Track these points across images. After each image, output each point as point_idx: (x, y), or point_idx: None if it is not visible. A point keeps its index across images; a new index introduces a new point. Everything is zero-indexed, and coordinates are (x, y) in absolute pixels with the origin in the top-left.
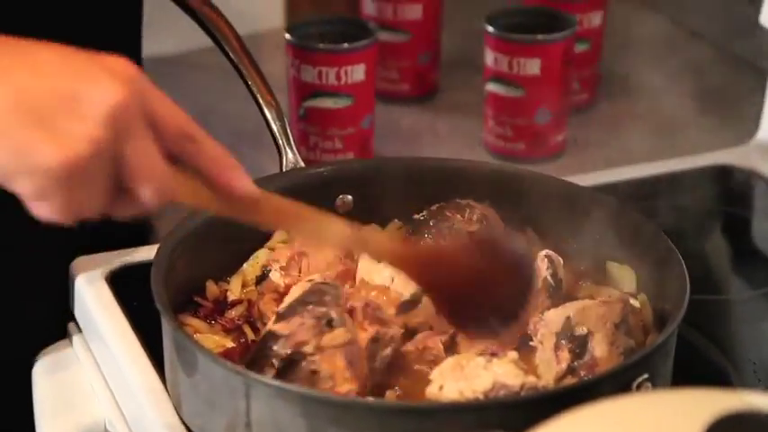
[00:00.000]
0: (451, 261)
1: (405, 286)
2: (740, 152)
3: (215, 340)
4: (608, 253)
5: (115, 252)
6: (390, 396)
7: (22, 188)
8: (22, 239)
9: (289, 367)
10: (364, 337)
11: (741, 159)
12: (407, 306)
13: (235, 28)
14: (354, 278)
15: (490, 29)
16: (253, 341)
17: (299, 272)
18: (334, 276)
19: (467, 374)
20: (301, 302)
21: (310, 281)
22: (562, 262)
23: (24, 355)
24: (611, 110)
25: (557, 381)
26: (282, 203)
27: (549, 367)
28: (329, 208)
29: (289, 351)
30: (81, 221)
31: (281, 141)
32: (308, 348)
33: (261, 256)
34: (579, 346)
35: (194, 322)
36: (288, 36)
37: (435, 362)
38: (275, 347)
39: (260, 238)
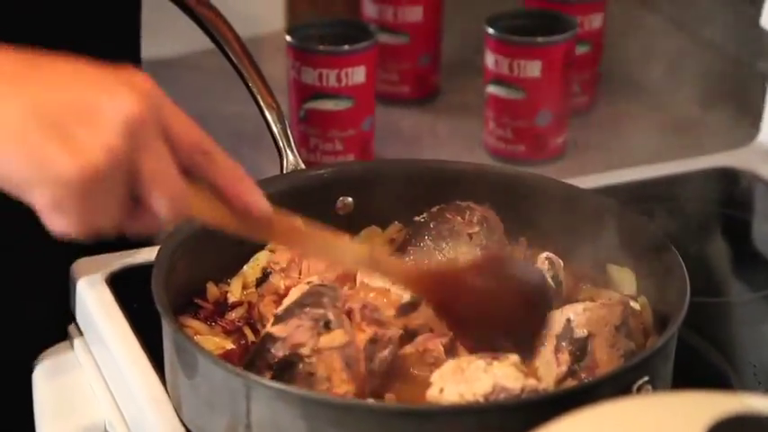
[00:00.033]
0: (463, 284)
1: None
2: (741, 154)
3: (215, 342)
4: (608, 255)
5: (116, 254)
6: (390, 399)
7: (39, 199)
8: (22, 240)
9: (286, 369)
10: (362, 338)
11: (742, 162)
12: (407, 308)
13: (235, 30)
14: (354, 280)
15: (491, 31)
16: (253, 343)
17: (300, 274)
18: (334, 278)
19: (467, 377)
20: (299, 304)
21: (308, 283)
22: (562, 264)
23: (25, 356)
24: (612, 112)
25: (557, 383)
26: (295, 223)
27: (550, 369)
28: (330, 210)
29: (286, 353)
30: (95, 237)
31: (281, 143)
32: (304, 350)
33: (261, 258)
34: (579, 348)
35: (195, 324)
36: (288, 38)
37: (436, 364)
38: (273, 349)
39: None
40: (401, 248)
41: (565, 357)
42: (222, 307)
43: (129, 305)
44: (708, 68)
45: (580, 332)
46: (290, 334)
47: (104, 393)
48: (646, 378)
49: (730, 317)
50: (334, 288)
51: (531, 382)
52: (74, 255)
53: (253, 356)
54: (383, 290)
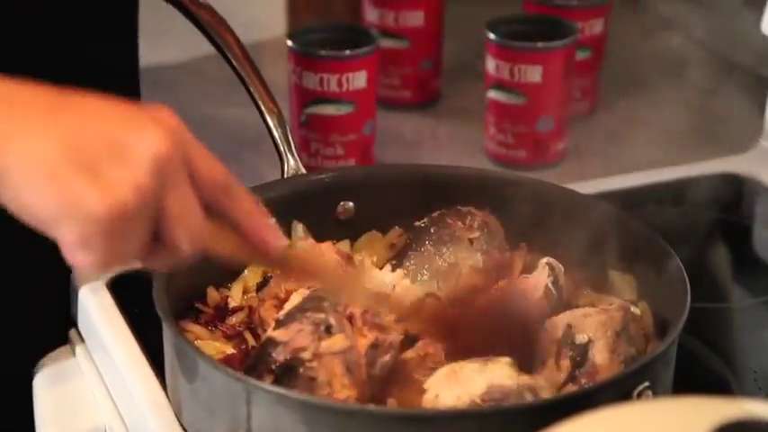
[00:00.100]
0: (469, 322)
1: (406, 293)
2: (741, 160)
3: (216, 347)
4: (609, 261)
5: None
6: (392, 404)
7: (67, 235)
8: (23, 246)
9: (287, 374)
10: (363, 343)
11: (742, 167)
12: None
13: (237, 35)
14: None
15: (492, 36)
16: (253, 347)
17: None
18: None
19: (461, 380)
20: (300, 309)
21: (310, 287)
22: (563, 269)
23: (26, 361)
24: (613, 117)
25: (558, 388)
26: (309, 260)
27: (550, 375)
28: (330, 214)
29: (287, 357)
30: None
31: (282, 148)
32: (305, 355)
33: None
34: (580, 353)
35: (195, 329)
36: (289, 43)
37: (437, 369)
38: (274, 354)
39: None
40: (402, 253)
41: (565, 363)
42: (223, 311)
43: (129, 310)
44: (709, 74)
45: (581, 338)
46: (292, 338)
47: (105, 398)
48: (646, 383)
49: (731, 322)
50: None
51: (526, 379)
52: None
53: (253, 361)
54: (384, 295)
